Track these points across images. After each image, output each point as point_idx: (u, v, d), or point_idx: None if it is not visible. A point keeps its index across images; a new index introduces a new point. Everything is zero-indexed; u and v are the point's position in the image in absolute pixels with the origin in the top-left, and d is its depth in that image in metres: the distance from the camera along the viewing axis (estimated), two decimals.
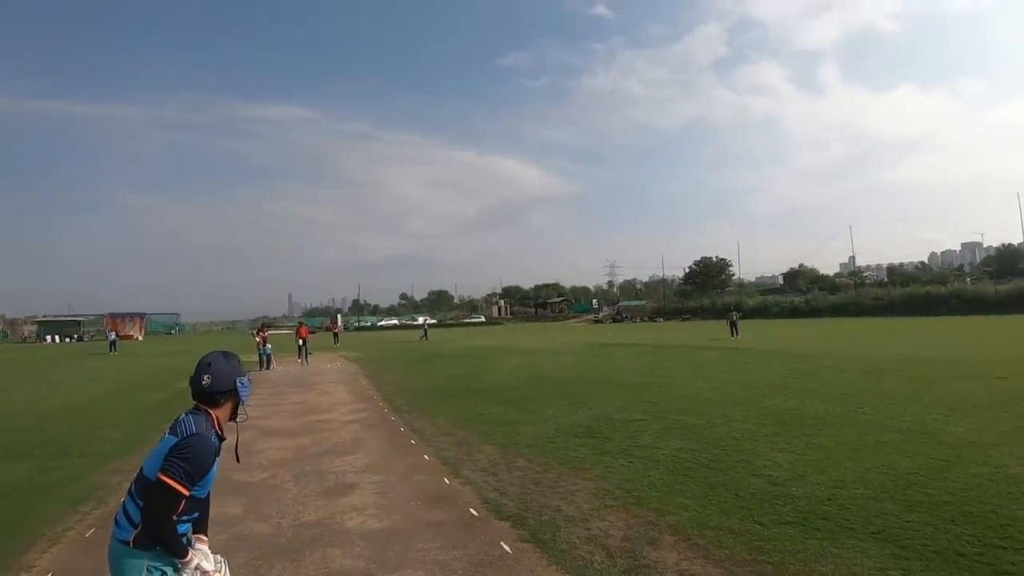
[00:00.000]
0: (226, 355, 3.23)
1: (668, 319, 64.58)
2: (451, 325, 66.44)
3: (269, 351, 25.56)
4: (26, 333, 59.05)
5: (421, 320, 56.15)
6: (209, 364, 3.18)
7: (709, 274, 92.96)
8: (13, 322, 60.84)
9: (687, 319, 62.28)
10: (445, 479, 8.21)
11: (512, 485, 7.68)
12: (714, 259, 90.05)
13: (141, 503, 2.98)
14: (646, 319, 69.48)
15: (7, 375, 24.08)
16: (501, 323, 69.86)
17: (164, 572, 2.96)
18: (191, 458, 2.94)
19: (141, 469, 3.08)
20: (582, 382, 16.16)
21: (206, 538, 3.31)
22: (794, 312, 58.56)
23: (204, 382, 3.16)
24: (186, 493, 2.93)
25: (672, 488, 7.03)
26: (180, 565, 2.94)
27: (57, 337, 55.94)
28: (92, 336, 50.50)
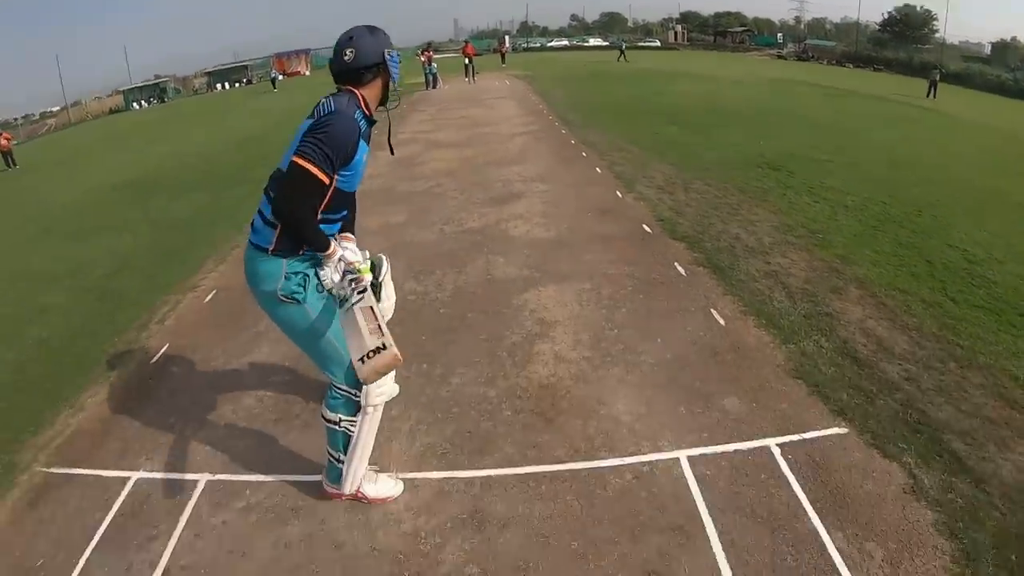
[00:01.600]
0: (371, 28, 2.62)
1: (858, 66, 55.06)
2: (627, 48, 61.32)
3: (435, 70, 24.11)
4: (196, 86, 62.09)
5: (613, 41, 50.86)
6: (351, 38, 2.56)
7: (909, 25, 76.44)
8: (184, 79, 64.21)
9: (879, 70, 52.58)
10: (618, 192, 7.58)
11: (689, 207, 6.89)
12: (918, 8, 73.96)
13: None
14: (834, 62, 59.76)
15: (172, 124, 25.39)
16: (676, 49, 63.29)
17: (305, 276, 2.55)
18: (330, 136, 2.39)
19: (279, 166, 2.55)
20: (764, 114, 14.02)
21: (353, 236, 2.89)
22: (1000, 88, 47.10)
23: (347, 57, 2.54)
24: (325, 179, 2.42)
25: (861, 237, 5.94)
26: (322, 259, 2.52)
27: (226, 84, 57.95)
28: (260, 78, 52.00)
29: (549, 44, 68.65)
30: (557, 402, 3.52)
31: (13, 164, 21.51)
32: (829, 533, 2.57)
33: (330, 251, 2.50)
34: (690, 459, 3.02)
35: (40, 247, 8.25)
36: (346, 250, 2.63)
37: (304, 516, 2.88)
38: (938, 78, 29.52)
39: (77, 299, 5.90)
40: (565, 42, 70.10)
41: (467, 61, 26.12)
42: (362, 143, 2.55)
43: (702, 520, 2.67)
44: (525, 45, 65.53)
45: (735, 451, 3.06)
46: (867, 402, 3.42)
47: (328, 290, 2.56)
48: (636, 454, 3.07)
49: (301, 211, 2.40)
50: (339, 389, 2.69)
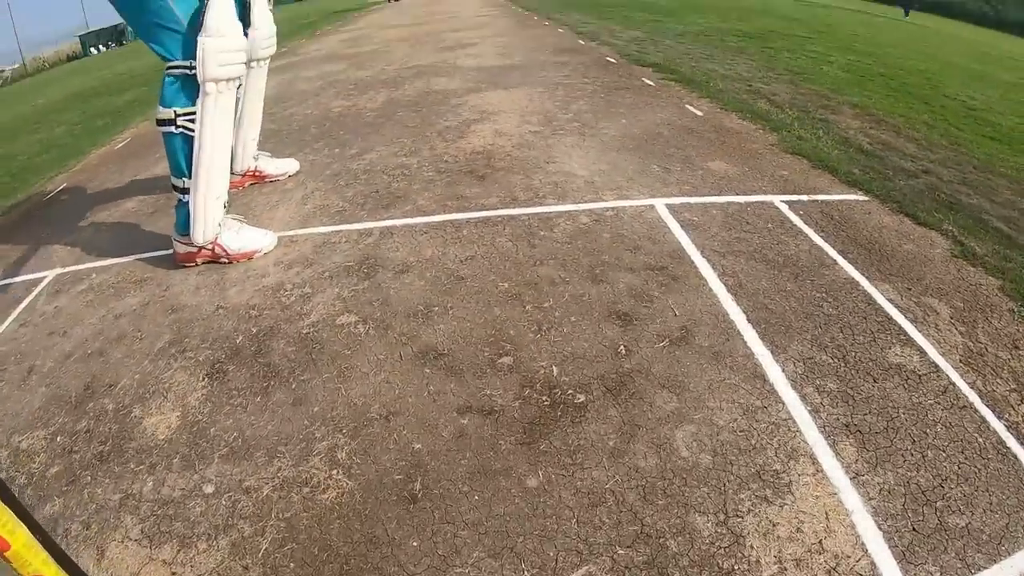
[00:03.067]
0: None
1: None
2: None
3: None
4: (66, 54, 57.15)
5: None
6: None
7: None
8: None
9: None
10: (580, 41, 6.64)
11: (659, 52, 5.97)
12: None
13: None
14: None
15: (129, 58, 22.83)
16: None
17: None
18: None
19: None
20: (740, 8, 13.09)
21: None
22: (980, 18, 47.34)
23: None
24: None
25: (849, 82, 5.12)
26: None
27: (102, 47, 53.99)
28: None
29: None
30: (494, 163, 2.69)
31: None
32: (873, 284, 1.85)
33: None
34: (669, 207, 2.24)
35: None
36: None
37: (147, 287, 2.15)
38: None
39: None
40: None
41: None
42: None
43: (692, 262, 1.91)
44: None
45: (728, 203, 2.30)
46: (885, 179, 2.70)
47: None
48: (596, 201, 2.26)
49: None
50: (172, 69, 1.97)
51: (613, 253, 1.93)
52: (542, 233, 2.05)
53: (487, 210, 2.23)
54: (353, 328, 1.70)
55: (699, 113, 3.52)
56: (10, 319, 2.18)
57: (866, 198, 2.46)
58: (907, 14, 25.60)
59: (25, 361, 1.89)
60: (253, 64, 2.33)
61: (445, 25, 9.69)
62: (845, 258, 1.97)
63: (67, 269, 2.45)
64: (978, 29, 33.82)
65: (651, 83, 4.32)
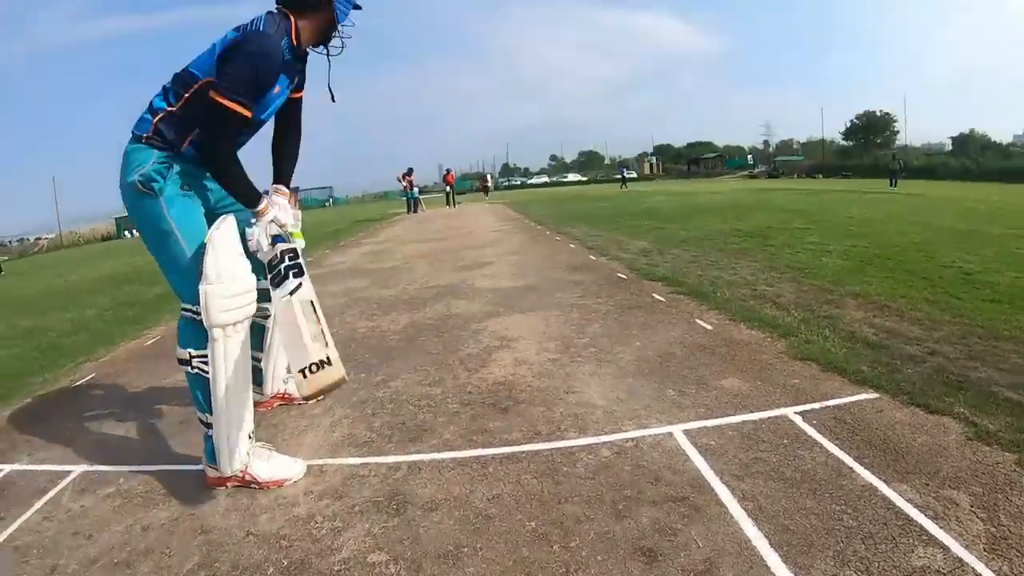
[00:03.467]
0: None
1: (827, 176, 58.62)
2: (602, 181, 64.14)
3: (417, 195, 23.80)
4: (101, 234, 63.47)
5: (622, 171, 52.48)
6: None
7: (872, 130, 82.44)
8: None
9: (847, 175, 55.68)
10: (591, 256, 7.19)
11: (665, 263, 6.44)
12: (878, 113, 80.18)
13: (175, 98, 2.16)
14: (803, 175, 63.62)
15: None
16: (652, 179, 66.69)
17: (171, 167, 2.15)
18: (247, 63, 2.09)
19: (187, 66, 2.20)
20: (738, 207, 14.20)
21: (286, 189, 2.50)
22: (964, 174, 50.91)
23: None
24: (246, 113, 2.12)
25: (849, 271, 5.46)
26: (254, 219, 2.26)
27: (136, 231, 59.40)
28: None
29: (530, 181, 72.01)
30: (515, 394, 2.85)
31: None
32: (891, 486, 1.89)
33: (262, 207, 2.23)
34: (687, 432, 2.33)
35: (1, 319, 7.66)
36: (277, 207, 2.32)
37: (176, 502, 2.21)
38: (898, 167, 30.02)
39: (20, 355, 5.22)
40: (545, 179, 73.67)
41: (448, 188, 26.60)
42: (283, 76, 2.23)
43: (713, 489, 1.96)
44: (507, 183, 68.42)
45: (743, 422, 2.38)
46: (893, 371, 2.82)
47: (253, 252, 2.23)
48: (615, 432, 2.37)
49: (228, 153, 2.16)
50: (186, 311, 2.16)
51: (635, 487, 2.00)
52: (565, 469, 2.13)
53: (511, 445, 2.33)
54: (384, 568, 1.73)
55: (709, 327, 3.73)
56: (33, 509, 2.24)
57: (876, 395, 2.55)
58: (894, 184, 27.07)
59: (48, 558, 1.92)
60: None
61: (462, 241, 10.46)
62: (861, 463, 2.02)
63: (94, 468, 2.54)
64: (963, 184, 35.29)
65: (661, 298, 4.63)
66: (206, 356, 2.10)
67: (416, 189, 24.08)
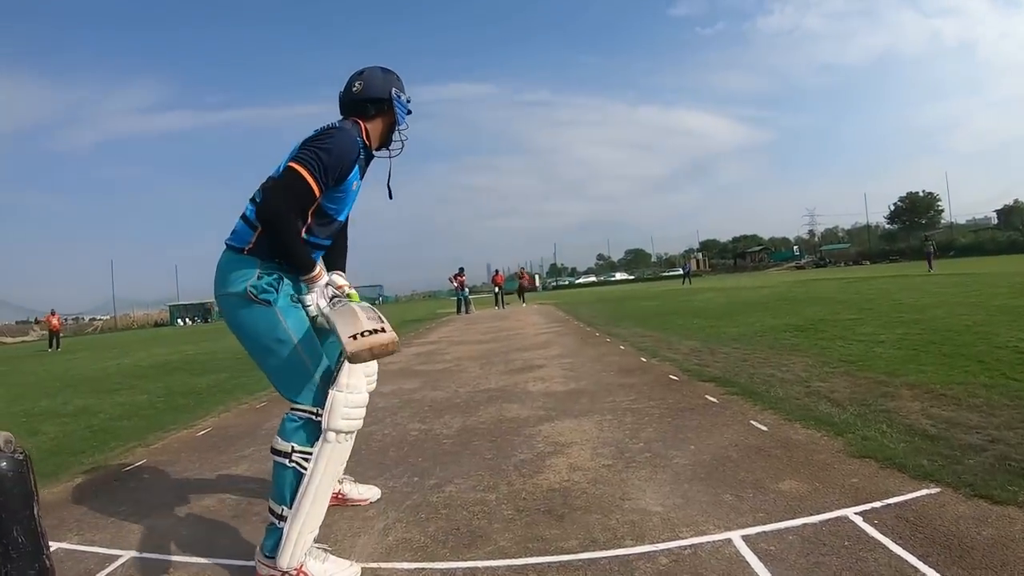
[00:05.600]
0: (384, 69, 2.64)
1: (875, 261, 57.69)
2: (649, 279, 64.53)
3: (467, 295, 24.61)
4: (155, 319, 63.89)
5: (687, 267, 53.11)
6: (362, 72, 2.60)
7: (916, 211, 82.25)
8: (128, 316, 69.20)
9: (895, 260, 54.80)
10: (642, 358, 7.23)
11: (717, 362, 6.45)
12: (920, 194, 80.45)
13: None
14: (851, 263, 62.82)
15: (212, 334, 26.77)
16: (700, 275, 66.79)
17: (280, 278, 2.32)
18: (328, 149, 2.29)
19: (270, 176, 2.43)
20: (787, 301, 14.14)
21: (344, 277, 2.64)
22: (1011, 246, 49.58)
23: (355, 88, 2.56)
24: (316, 189, 2.27)
25: (903, 360, 5.40)
26: (306, 283, 2.35)
27: (188, 320, 61.06)
28: None
29: (577, 281, 72.86)
30: (570, 501, 2.88)
31: (57, 346, 24.11)
32: None
33: (315, 273, 2.32)
34: (746, 538, 2.32)
35: (55, 398, 8.33)
36: (333, 274, 2.47)
37: None
38: (932, 250, 29.17)
39: (72, 432, 5.66)
40: (592, 278, 74.51)
41: (496, 289, 27.26)
42: (357, 170, 2.47)
43: None
44: (555, 283, 69.35)
45: (803, 525, 2.37)
46: (953, 463, 2.78)
47: (312, 317, 2.35)
48: (673, 539, 2.38)
49: (287, 215, 2.23)
50: (297, 411, 2.27)
51: None
52: None
53: (567, 553, 2.35)
54: None
55: (764, 428, 3.73)
56: None
57: (938, 490, 2.52)
58: (931, 267, 26.36)
59: None
60: None
61: (512, 343, 10.64)
62: (926, 563, 1.99)
63: (144, 555, 2.61)
64: (1012, 258, 34.03)
65: (714, 399, 4.64)
66: (309, 454, 2.22)
67: (467, 289, 24.67)
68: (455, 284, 24.85)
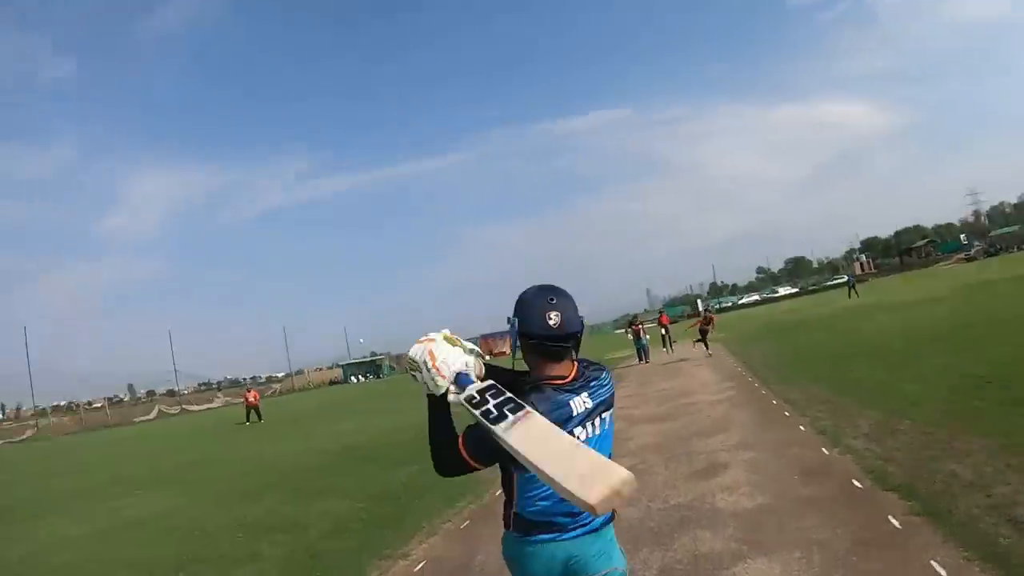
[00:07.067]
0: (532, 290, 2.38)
1: None
2: (813, 290, 60.66)
3: (646, 342, 24.88)
4: (328, 378, 66.77)
5: (851, 279, 50.71)
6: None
7: None
8: (399, 357, 69.89)
9: None
10: (823, 449, 7.52)
11: (897, 450, 6.63)
12: None
13: None
14: None
15: (388, 399, 28.50)
16: (865, 280, 61.80)
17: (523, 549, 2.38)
18: None
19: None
20: (967, 327, 13.07)
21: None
22: None
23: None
24: None
25: None
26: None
27: (361, 377, 63.71)
28: None
29: (740, 301, 70.37)
30: None
31: (259, 418, 26.40)
32: None
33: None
34: None
35: (259, 502, 9.42)
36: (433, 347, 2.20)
37: None
38: None
39: (290, 556, 6.52)
40: (756, 297, 71.57)
41: (663, 331, 27.60)
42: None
43: None
44: (718, 305, 67.95)
45: None
46: None
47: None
48: None
49: None
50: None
51: None
52: None
53: None
54: None
55: (944, 573, 3.96)
56: None
57: None
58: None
59: None
60: None
61: (690, 420, 11.02)
62: None
63: None
64: None
65: (897, 523, 4.90)
66: None
67: (646, 337, 25.23)
68: (631, 335, 25.61)
